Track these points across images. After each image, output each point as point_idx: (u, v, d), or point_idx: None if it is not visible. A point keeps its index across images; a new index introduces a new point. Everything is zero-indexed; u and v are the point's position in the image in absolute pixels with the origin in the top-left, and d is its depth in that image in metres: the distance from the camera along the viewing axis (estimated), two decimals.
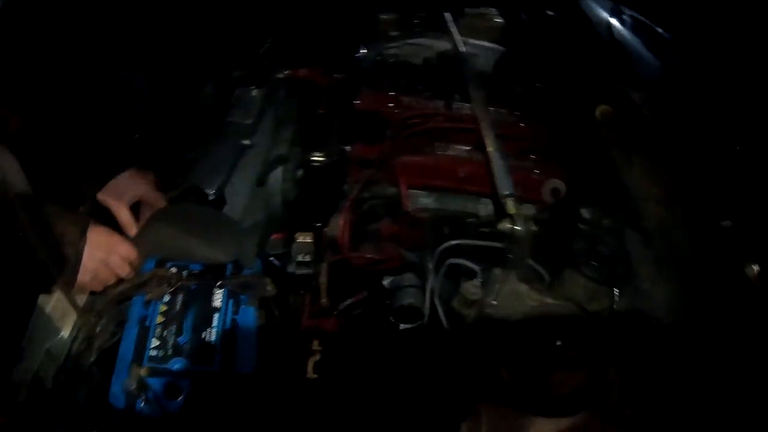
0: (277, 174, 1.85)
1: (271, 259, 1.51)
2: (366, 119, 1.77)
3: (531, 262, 1.42)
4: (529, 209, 1.69)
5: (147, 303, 1.33)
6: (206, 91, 1.98)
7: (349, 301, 1.58)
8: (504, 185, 1.41)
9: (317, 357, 1.35)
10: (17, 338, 1.16)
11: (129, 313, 1.34)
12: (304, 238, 1.50)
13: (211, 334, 1.28)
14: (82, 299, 1.38)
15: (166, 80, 1.80)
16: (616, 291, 1.43)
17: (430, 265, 1.46)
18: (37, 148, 1.27)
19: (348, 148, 1.69)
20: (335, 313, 1.55)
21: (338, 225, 1.46)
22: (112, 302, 1.39)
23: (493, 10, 2.24)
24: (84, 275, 1.27)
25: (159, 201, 1.52)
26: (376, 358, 1.41)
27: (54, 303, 1.29)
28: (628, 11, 2.13)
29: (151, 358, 1.23)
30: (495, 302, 1.21)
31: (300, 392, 1.31)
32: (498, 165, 1.48)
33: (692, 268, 1.39)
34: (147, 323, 1.29)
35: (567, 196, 1.73)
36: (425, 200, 1.71)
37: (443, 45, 2.11)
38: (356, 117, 1.79)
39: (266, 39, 2.05)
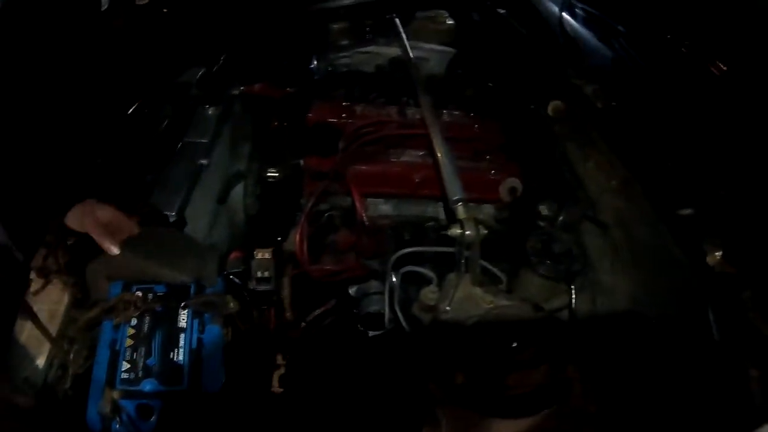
0: (238, 190, 1.86)
1: (232, 277, 1.52)
2: (319, 131, 1.78)
3: (486, 264, 1.44)
4: (484, 211, 1.72)
5: (116, 327, 1.34)
6: (164, 111, 1.97)
7: (317, 312, 1.60)
8: (453, 190, 1.42)
9: (281, 371, 1.36)
10: None
11: (99, 338, 1.35)
12: (263, 255, 1.50)
13: (179, 354, 1.30)
14: (53, 328, 1.39)
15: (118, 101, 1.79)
16: (573, 288, 1.45)
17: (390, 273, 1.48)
18: None
19: (301, 161, 1.70)
20: (303, 324, 1.57)
21: (295, 239, 1.47)
22: (82, 328, 1.40)
23: (444, 12, 2.26)
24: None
25: (127, 224, 1.52)
26: (342, 367, 1.42)
27: (27, 333, 1.31)
28: (580, 4, 2.14)
29: (123, 381, 1.24)
30: (448, 308, 1.23)
31: (266, 406, 1.32)
32: (447, 170, 1.48)
33: (652, 257, 1.41)
34: (117, 347, 1.30)
35: (524, 194, 1.75)
36: (384, 207, 1.73)
37: (394, 51, 2.12)
38: (309, 129, 1.80)
39: (219, 56, 2.04)
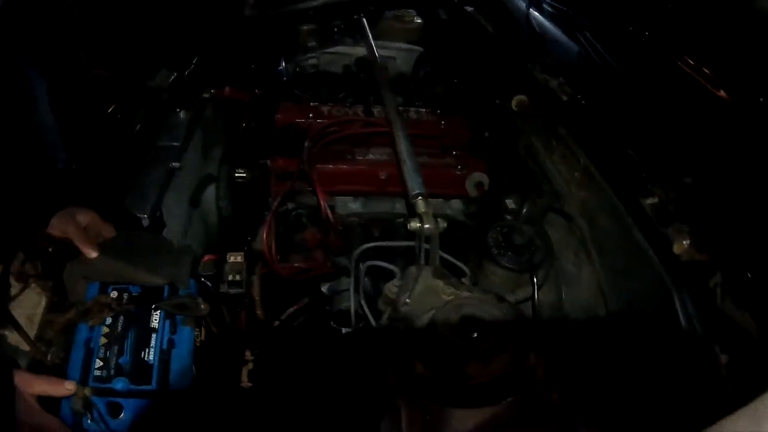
0: (210, 193, 1.89)
1: (203, 280, 1.54)
2: (287, 132, 1.81)
3: (448, 257, 1.46)
4: (452, 207, 1.74)
5: (91, 327, 1.37)
6: (137, 115, 1.99)
7: (290, 310, 1.63)
8: (413, 185, 1.44)
9: (250, 366, 1.39)
10: None
11: (75, 337, 1.38)
12: (235, 258, 1.53)
13: (149, 354, 1.33)
14: (32, 333, 1.42)
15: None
16: (535, 278, 1.47)
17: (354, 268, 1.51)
18: None
19: (268, 161, 1.72)
20: (277, 323, 1.60)
21: (263, 238, 1.50)
22: (59, 331, 1.43)
23: (412, 12, 2.28)
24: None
25: (105, 227, 1.54)
26: (312, 363, 1.44)
27: (8, 338, 1.34)
28: (547, 0, 2.18)
29: (96, 378, 1.27)
30: (408, 300, 1.25)
31: (235, 401, 1.35)
32: (407, 166, 1.50)
33: (616, 247, 1.42)
34: (91, 345, 1.34)
35: (491, 189, 1.78)
36: (353, 205, 1.76)
37: (361, 51, 2.14)
38: (277, 130, 1.83)
39: (190, 60, 2.06)
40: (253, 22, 2.18)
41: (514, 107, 1.86)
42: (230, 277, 1.50)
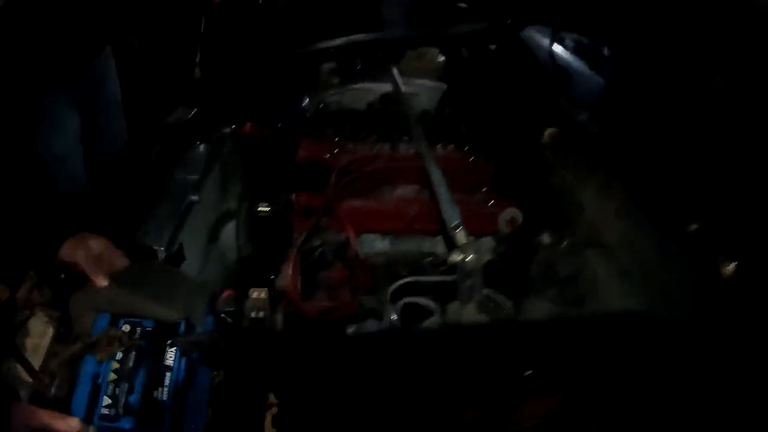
0: (230, 229, 1.82)
1: (223, 316, 1.46)
2: (309, 168, 1.76)
3: (490, 292, 1.39)
4: (484, 245, 1.67)
5: (99, 361, 1.30)
6: (153, 148, 1.96)
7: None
8: (451, 217, 1.37)
9: (274, 411, 1.30)
10: None
11: (81, 370, 1.30)
12: (259, 294, 1.45)
13: (163, 394, 1.24)
14: (36, 363, 1.35)
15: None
16: (581, 312, 1.40)
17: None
18: None
19: (292, 197, 1.67)
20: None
21: (287, 276, 1.42)
22: (63, 364, 1.35)
23: (435, 50, 2.27)
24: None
25: (118, 257, 1.48)
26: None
27: (9, 369, 1.26)
28: (569, 35, 2.17)
29: (102, 417, 1.19)
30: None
31: None
32: (443, 198, 1.44)
33: (661, 276, 1.37)
34: (99, 381, 1.26)
35: (524, 224, 1.72)
36: (379, 244, 1.69)
37: (385, 87, 2.11)
38: (299, 166, 1.78)
39: (210, 96, 2.03)
40: (275, 60, 2.17)
41: (545, 140, 1.82)
42: (253, 314, 1.42)
